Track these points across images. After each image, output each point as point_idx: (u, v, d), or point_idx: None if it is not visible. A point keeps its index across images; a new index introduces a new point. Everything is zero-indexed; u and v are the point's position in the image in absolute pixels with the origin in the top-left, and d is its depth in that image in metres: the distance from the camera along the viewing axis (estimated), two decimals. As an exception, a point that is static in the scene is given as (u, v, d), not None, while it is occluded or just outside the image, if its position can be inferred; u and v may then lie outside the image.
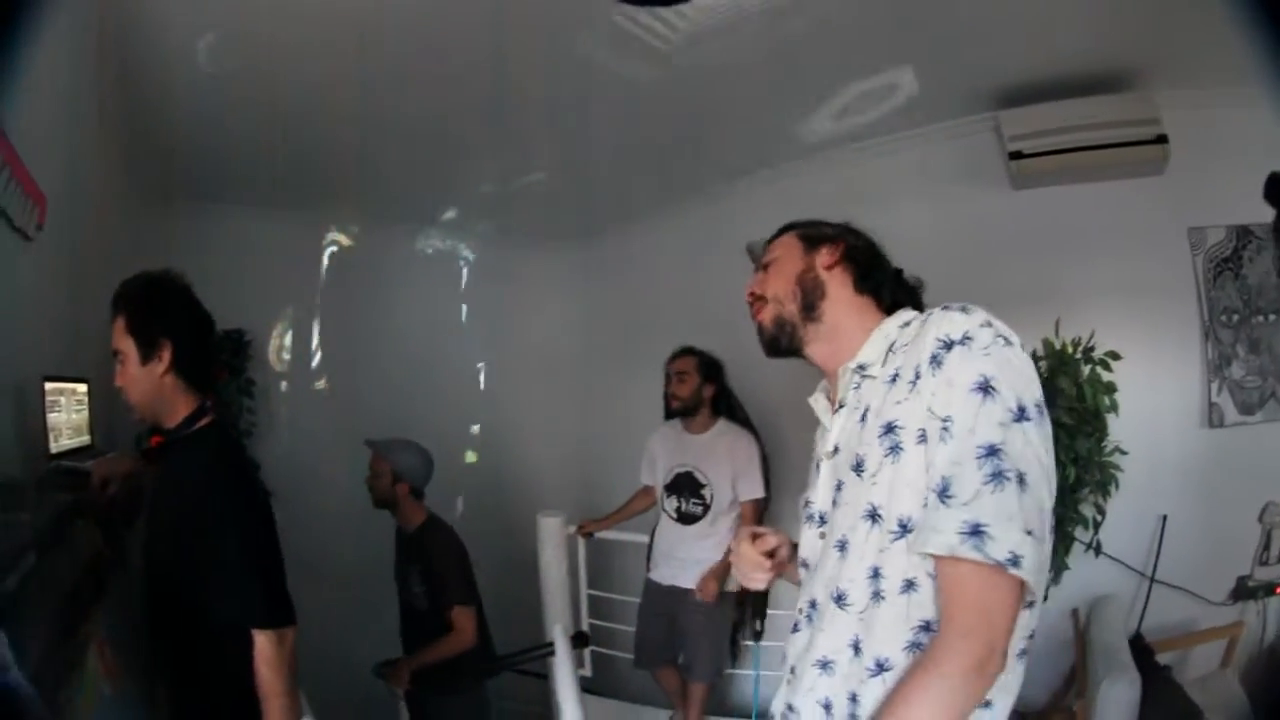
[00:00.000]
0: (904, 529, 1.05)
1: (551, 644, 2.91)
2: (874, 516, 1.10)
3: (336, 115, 3.17)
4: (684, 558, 3.14)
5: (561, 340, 5.28)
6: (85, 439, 2.28)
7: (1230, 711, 2.41)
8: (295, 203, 4.01)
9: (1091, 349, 2.80)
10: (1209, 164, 2.72)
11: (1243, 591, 2.75)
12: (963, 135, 3.27)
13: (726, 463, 3.10)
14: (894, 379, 1.12)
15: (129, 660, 1.81)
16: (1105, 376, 2.76)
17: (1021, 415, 1.00)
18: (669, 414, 3.25)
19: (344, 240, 4.52)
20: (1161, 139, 2.67)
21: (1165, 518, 2.85)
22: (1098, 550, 2.82)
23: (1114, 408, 2.76)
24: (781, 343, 1.29)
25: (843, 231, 1.35)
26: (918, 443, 1.05)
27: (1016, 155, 2.93)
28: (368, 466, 3.00)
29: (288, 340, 4.20)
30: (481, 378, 5.16)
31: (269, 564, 1.67)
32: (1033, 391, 1.02)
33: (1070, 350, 2.83)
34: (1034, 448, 0.99)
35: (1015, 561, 0.93)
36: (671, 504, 3.20)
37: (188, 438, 1.71)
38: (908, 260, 1.33)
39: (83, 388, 2.29)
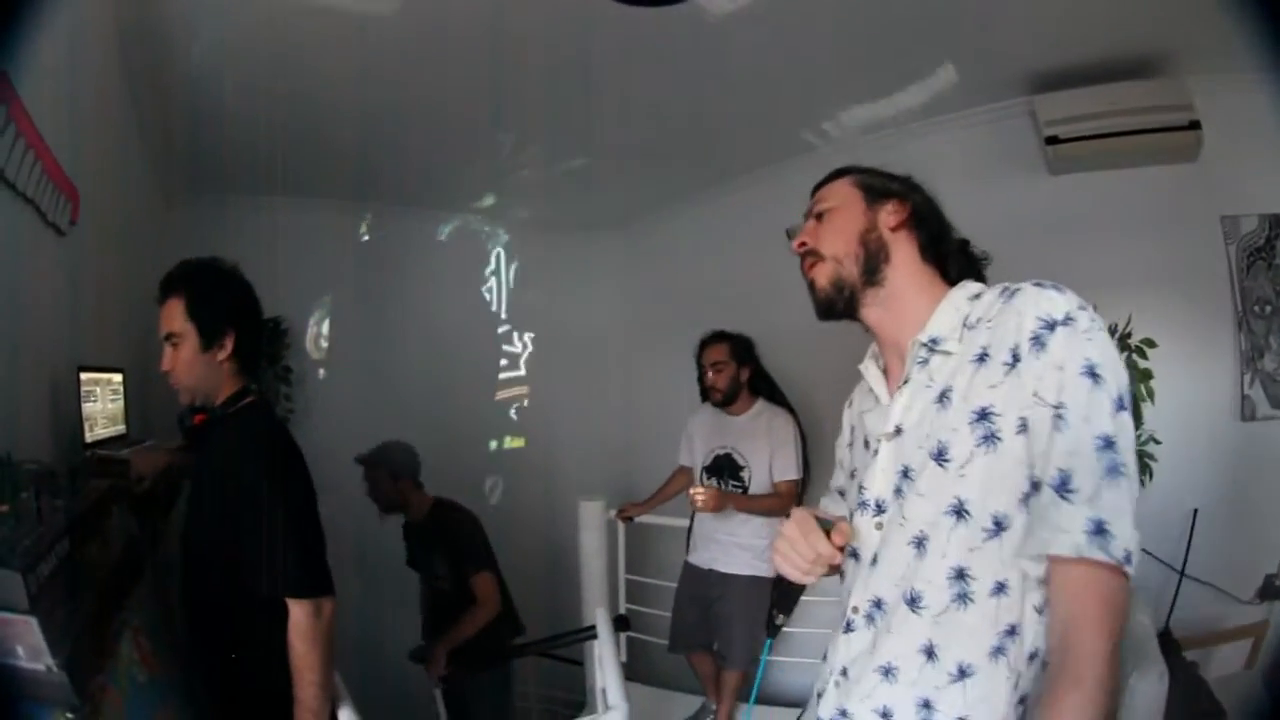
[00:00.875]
0: (998, 527, 0.97)
1: (593, 628, 2.86)
2: (961, 512, 1.00)
3: (369, 102, 3.15)
4: (724, 540, 3.08)
5: (599, 325, 5.27)
6: (120, 428, 2.30)
7: (1253, 712, 2.33)
8: (328, 191, 4.02)
9: (1129, 335, 2.70)
10: (1243, 151, 2.63)
11: (1270, 590, 2.67)
12: (999, 120, 3.20)
13: (765, 443, 3.03)
14: (981, 358, 1.01)
15: (164, 647, 1.84)
16: (1141, 364, 2.68)
17: (1121, 404, 0.94)
18: (706, 401, 3.20)
19: (379, 227, 4.52)
20: (1195, 125, 2.58)
21: (1196, 511, 2.77)
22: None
23: (1150, 395, 2.68)
24: (838, 306, 1.18)
25: (907, 187, 1.22)
26: (1017, 432, 0.96)
27: (1052, 140, 2.84)
28: (363, 480, 3.07)
29: (325, 328, 4.22)
30: (521, 363, 5.16)
31: (308, 534, 1.67)
32: (1125, 379, 0.96)
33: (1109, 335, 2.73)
34: (1131, 439, 0.94)
35: (1129, 559, 0.89)
36: (711, 486, 3.15)
37: (232, 415, 1.75)
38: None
39: (118, 377, 2.31)
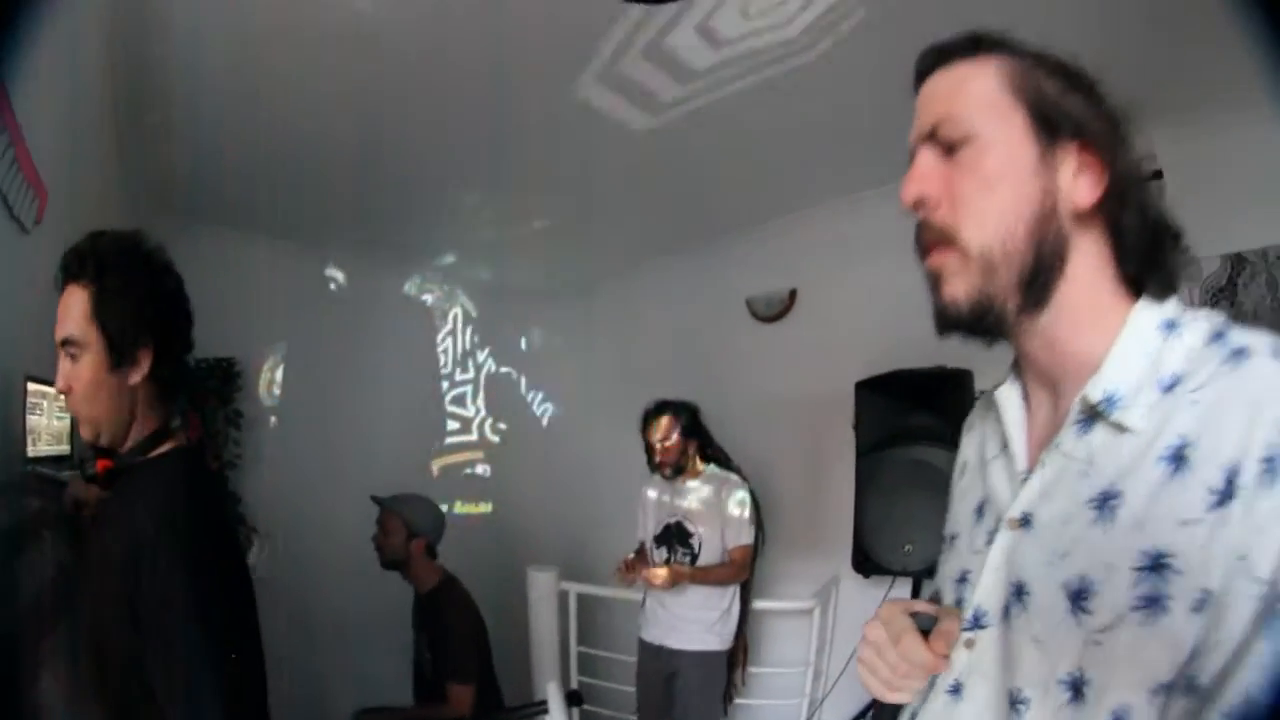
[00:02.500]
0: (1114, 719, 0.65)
1: (544, 702, 2.70)
2: (1078, 689, 0.68)
3: (339, 148, 3.14)
4: (673, 614, 2.98)
5: (555, 390, 5.22)
6: (64, 448, 2.13)
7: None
8: (294, 234, 3.92)
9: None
10: (1203, 196, 2.70)
11: None
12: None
13: (716, 510, 2.98)
14: (1176, 459, 0.64)
15: (89, 684, 1.67)
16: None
17: None
18: (654, 470, 3.16)
19: (340, 277, 4.42)
20: (1158, 175, 2.69)
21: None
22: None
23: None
24: (973, 330, 0.75)
25: (1094, 110, 0.74)
26: (1193, 609, 0.61)
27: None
28: (376, 523, 2.84)
29: (279, 375, 4.02)
30: (474, 426, 5.03)
31: (230, 668, 1.19)
32: None
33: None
34: None
35: None
36: (660, 556, 3.06)
37: (143, 465, 1.28)
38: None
39: (66, 395, 2.17)
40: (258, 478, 3.76)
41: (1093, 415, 0.71)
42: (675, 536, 3.05)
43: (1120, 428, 0.69)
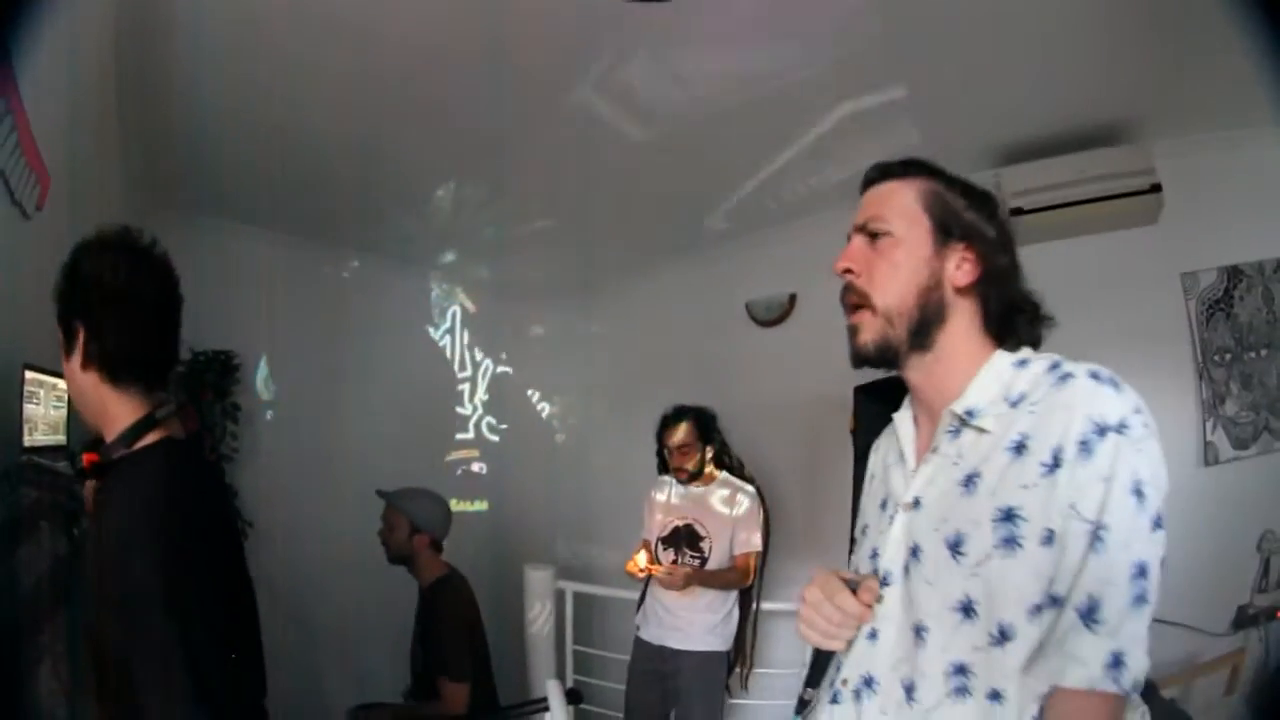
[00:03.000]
0: (1002, 636, 0.89)
1: (544, 700, 2.66)
2: (968, 611, 0.92)
3: (340, 142, 3.13)
4: (676, 615, 2.97)
5: (553, 390, 5.21)
6: (61, 438, 2.10)
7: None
8: (293, 228, 3.88)
9: (1095, 394, 2.76)
10: (1200, 209, 2.78)
11: (1244, 620, 2.70)
12: (963, 194, 3.28)
13: (728, 517, 2.97)
14: (1018, 448, 0.91)
15: (88, 677, 1.65)
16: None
17: (1159, 522, 0.86)
18: (664, 471, 3.15)
19: (339, 271, 4.39)
20: (1156, 188, 2.71)
21: (1163, 559, 2.79)
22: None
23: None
24: (876, 364, 1.05)
25: (983, 221, 1.04)
26: (1041, 544, 0.87)
27: (1017, 211, 2.95)
28: (380, 518, 2.79)
29: (277, 368, 3.98)
30: (471, 425, 5.03)
31: (205, 672, 1.12)
32: (1165, 490, 0.88)
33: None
34: (1160, 558, 0.86)
35: (1135, 687, 0.85)
36: (667, 557, 3.05)
37: (126, 458, 1.23)
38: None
39: (64, 384, 2.15)
40: (254, 471, 3.72)
41: (960, 424, 0.99)
42: (685, 539, 3.04)
43: (980, 430, 0.96)
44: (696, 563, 2.97)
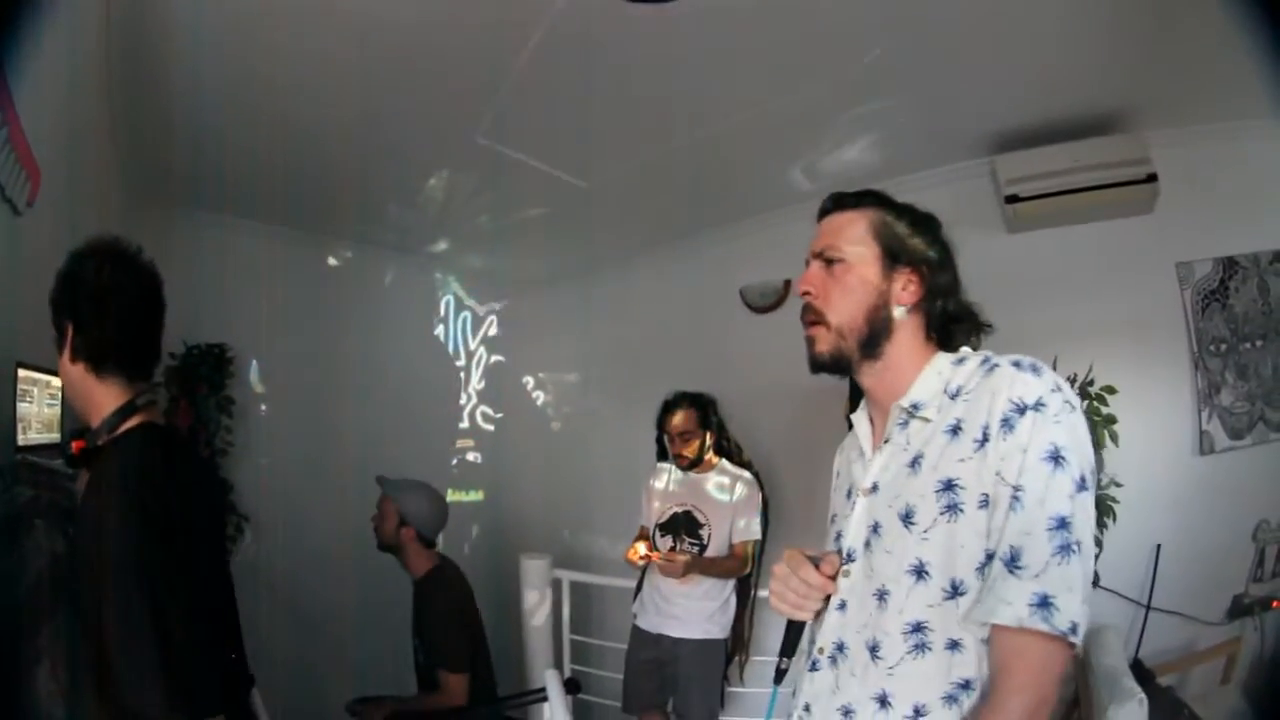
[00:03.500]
0: (955, 590, 1.02)
1: (543, 690, 2.66)
2: (921, 573, 1.04)
3: (334, 134, 3.09)
4: (674, 603, 2.97)
5: (548, 379, 5.20)
6: (55, 436, 2.09)
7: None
8: (291, 220, 3.84)
9: (1090, 383, 2.77)
10: (1196, 200, 2.78)
11: (1239, 609, 2.72)
12: (960, 180, 3.28)
13: (728, 505, 2.97)
14: (954, 430, 1.05)
15: (85, 677, 1.64)
16: (1103, 410, 2.73)
17: (1083, 485, 0.98)
18: (662, 461, 3.15)
19: (336, 263, 4.35)
20: (1152, 178, 2.71)
21: (1159, 547, 2.81)
22: (1095, 582, 2.74)
23: (1114, 439, 2.74)
24: (831, 371, 1.20)
25: (927, 248, 1.19)
26: (979, 507, 1.01)
27: (1013, 199, 2.95)
28: (375, 505, 2.78)
29: (271, 360, 3.96)
30: (466, 415, 5.02)
31: (174, 637, 1.22)
32: (1091, 459, 1.00)
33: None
34: (1090, 516, 0.99)
35: (1074, 630, 0.94)
36: (665, 544, 3.05)
37: (108, 445, 1.36)
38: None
39: (57, 381, 2.13)
40: (249, 465, 3.71)
41: (908, 416, 1.13)
42: (684, 526, 3.04)
43: (925, 420, 1.10)
44: (696, 550, 2.97)
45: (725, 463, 3.07)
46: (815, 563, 1.17)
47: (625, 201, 3.93)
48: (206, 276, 3.22)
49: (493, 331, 5.16)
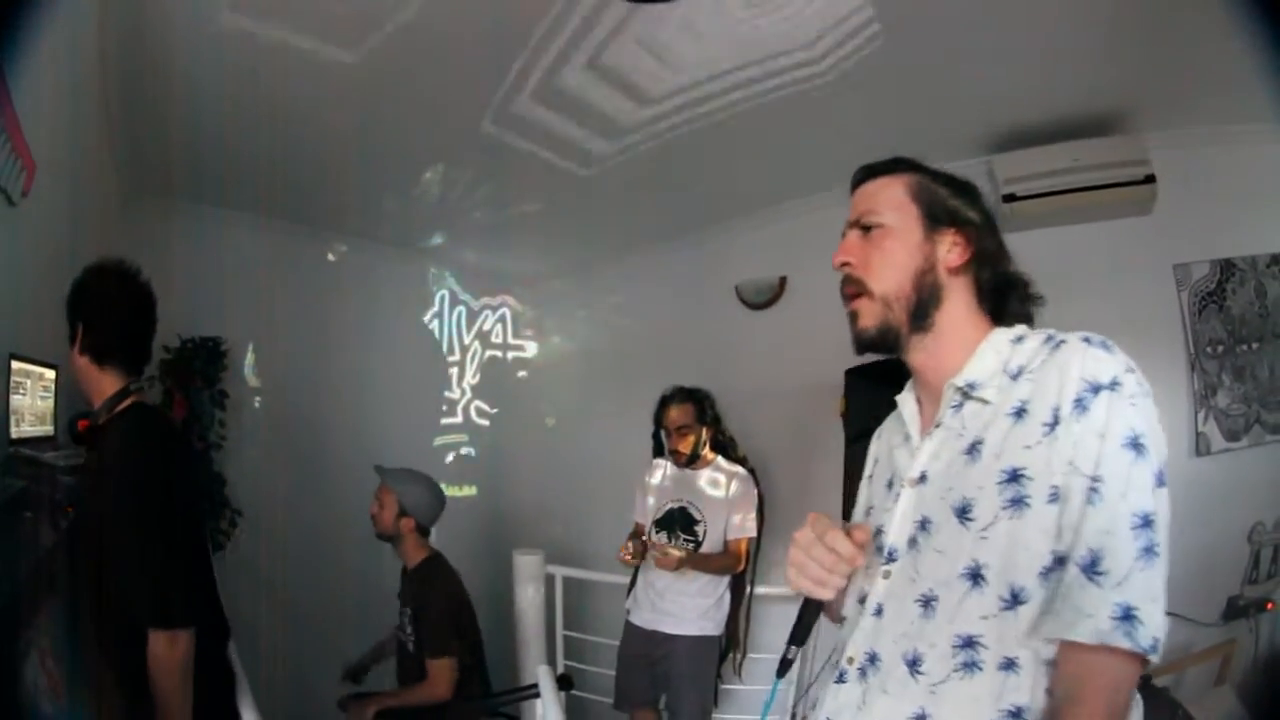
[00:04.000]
0: (1015, 599, 0.89)
1: (534, 686, 2.67)
2: (976, 577, 0.92)
3: (332, 128, 3.08)
4: (667, 599, 2.97)
5: (541, 374, 5.19)
6: (48, 429, 2.08)
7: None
8: (286, 214, 3.82)
9: (1086, 385, 2.78)
10: (1194, 202, 2.78)
11: (1234, 610, 2.71)
12: (957, 178, 3.28)
13: (724, 501, 2.97)
14: (1019, 413, 0.93)
15: (75, 672, 1.65)
16: (1100, 411, 2.75)
17: (1162, 479, 0.87)
18: (658, 456, 3.14)
19: (333, 258, 4.34)
20: (1150, 179, 2.72)
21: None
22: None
23: (1110, 440, 2.74)
24: (878, 348, 1.08)
25: (970, 207, 1.08)
26: (1047, 501, 0.88)
27: (1010, 198, 2.94)
28: (374, 495, 2.79)
29: (266, 354, 3.95)
30: (460, 409, 5.00)
31: (164, 558, 1.57)
32: (1165, 451, 0.89)
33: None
34: (1168, 516, 0.87)
35: (1155, 648, 0.82)
36: (660, 540, 3.07)
37: (107, 423, 1.70)
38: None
39: (51, 374, 2.11)
40: (243, 459, 3.70)
41: (963, 398, 1.01)
42: (679, 522, 3.04)
43: (983, 401, 0.99)
44: (691, 546, 2.97)
45: (721, 459, 3.07)
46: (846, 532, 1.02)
47: (623, 197, 3.92)
48: (200, 270, 3.21)
49: (487, 326, 5.14)
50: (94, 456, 1.73)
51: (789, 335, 3.89)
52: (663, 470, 3.13)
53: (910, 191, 1.08)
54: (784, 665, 1.09)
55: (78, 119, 2.36)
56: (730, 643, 3.11)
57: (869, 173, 1.14)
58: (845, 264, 1.09)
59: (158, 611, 1.53)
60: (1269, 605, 2.70)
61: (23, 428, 1.92)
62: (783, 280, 4.05)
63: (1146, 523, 0.84)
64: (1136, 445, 0.86)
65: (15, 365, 1.87)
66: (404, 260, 4.65)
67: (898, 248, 1.06)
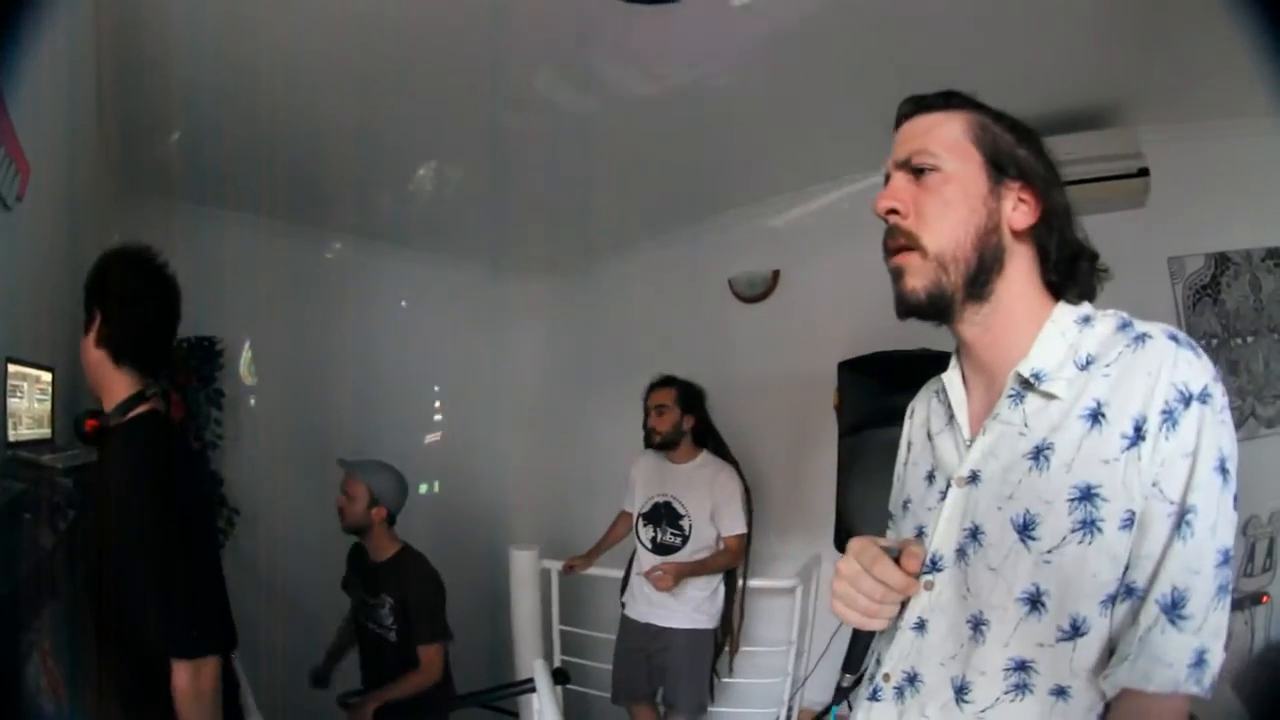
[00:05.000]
0: (1075, 630, 0.81)
1: (530, 680, 2.68)
2: (1036, 603, 0.82)
3: (328, 126, 3.09)
4: (661, 593, 3.01)
5: (533, 370, 5.19)
6: (45, 431, 2.08)
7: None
8: (283, 214, 3.82)
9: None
10: (1187, 195, 2.78)
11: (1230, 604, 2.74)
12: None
13: (707, 496, 3.00)
14: (1094, 417, 0.82)
15: (77, 672, 1.65)
16: (1093, 405, 2.76)
17: (1235, 503, 0.79)
18: (648, 446, 3.17)
19: (325, 256, 4.35)
20: (1144, 172, 2.72)
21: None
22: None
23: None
24: (924, 315, 0.93)
25: (1035, 157, 0.93)
26: (1120, 526, 0.79)
27: (1002, 190, 2.96)
28: (339, 488, 2.79)
29: (261, 354, 3.95)
30: (456, 404, 5.01)
31: (187, 584, 1.47)
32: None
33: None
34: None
35: (1214, 686, 0.78)
36: (647, 533, 3.08)
37: (119, 427, 1.57)
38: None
39: (48, 376, 2.10)
40: (239, 458, 3.70)
41: (1024, 388, 0.88)
42: (665, 516, 3.07)
43: (1049, 396, 0.86)
44: (677, 540, 3.01)
45: (706, 454, 3.09)
46: (894, 556, 0.90)
47: (617, 191, 3.92)
48: (196, 269, 3.18)
49: (481, 321, 5.13)
50: (99, 462, 1.60)
51: (783, 328, 3.90)
52: (649, 464, 3.16)
53: (971, 133, 0.93)
54: (839, 693, 1.01)
55: (73, 120, 2.35)
56: (725, 636, 3.14)
57: (919, 105, 0.98)
58: (892, 211, 0.92)
59: (183, 643, 1.44)
60: (1264, 598, 2.72)
61: (20, 430, 1.92)
62: (776, 274, 4.05)
63: (1226, 559, 0.78)
64: (1224, 470, 0.78)
65: (12, 369, 1.86)
66: (398, 258, 4.63)
67: (959, 198, 0.90)
